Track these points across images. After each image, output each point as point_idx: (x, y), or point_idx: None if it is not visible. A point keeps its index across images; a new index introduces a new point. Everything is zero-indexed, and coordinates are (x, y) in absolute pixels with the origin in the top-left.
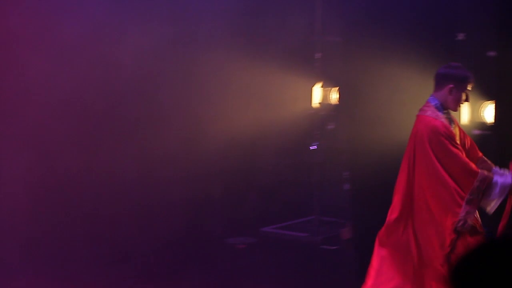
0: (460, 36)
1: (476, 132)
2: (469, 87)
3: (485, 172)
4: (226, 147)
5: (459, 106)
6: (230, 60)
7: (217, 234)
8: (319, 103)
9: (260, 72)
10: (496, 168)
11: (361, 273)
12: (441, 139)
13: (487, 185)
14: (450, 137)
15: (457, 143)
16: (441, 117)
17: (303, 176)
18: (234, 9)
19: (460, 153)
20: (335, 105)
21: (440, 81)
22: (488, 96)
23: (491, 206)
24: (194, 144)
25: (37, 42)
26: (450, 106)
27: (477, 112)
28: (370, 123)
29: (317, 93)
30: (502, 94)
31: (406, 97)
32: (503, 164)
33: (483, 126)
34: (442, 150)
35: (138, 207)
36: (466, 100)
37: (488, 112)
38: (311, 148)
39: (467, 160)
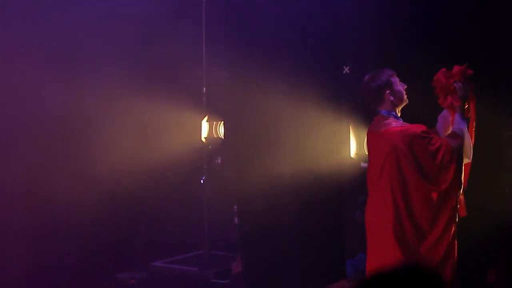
0: (346, 69)
1: (364, 165)
2: (395, 78)
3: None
4: (114, 181)
5: (406, 95)
6: (118, 94)
7: (106, 269)
8: (205, 137)
9: (147, 107)
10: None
11: None
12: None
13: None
14: (430, 132)
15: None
16: (403, 122)
17: (192, 210)
18: (122, 42)
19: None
20: (222, 139)
21: (375, 96)
22: None
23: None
24: (81, 176)
25: None
26: (400, 103)
27: (363, 145)
28: (256, 156)
29: (204, 127)
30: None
31: (293, 130)
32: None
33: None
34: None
35: (23, 241)
36: (402, 85)
37: None
38: (200, 182)
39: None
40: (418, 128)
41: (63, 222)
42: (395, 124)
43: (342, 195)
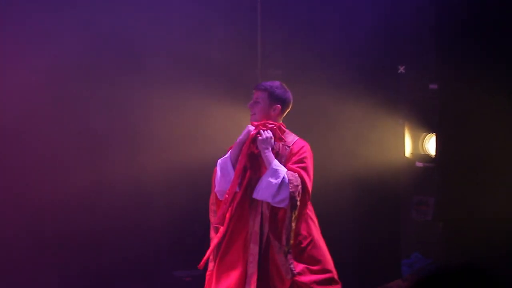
0: (401, 69)
1: (419, 164)
2: None
3: None
4: (170, 180)
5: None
6: (172, 93)
7: (163, 267)
8: None
9: (202, 106)
10: None
11: None
12: None
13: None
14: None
15: None
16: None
17: None
18: (175, 39)
19: None
20: None
21: None
22: (429, 128)
23: None
24: (138, 176)
25: None
26: None
27: (418, 144)
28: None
29: None
30: (443, 126)
31: (348, 130)
32: (444, 196)
33: (426, 158)
34: None
35: (82, 240)
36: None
37: (432, 145)
38: None
39: None
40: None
41: (121, 222)
42: None
43: (397, 195)
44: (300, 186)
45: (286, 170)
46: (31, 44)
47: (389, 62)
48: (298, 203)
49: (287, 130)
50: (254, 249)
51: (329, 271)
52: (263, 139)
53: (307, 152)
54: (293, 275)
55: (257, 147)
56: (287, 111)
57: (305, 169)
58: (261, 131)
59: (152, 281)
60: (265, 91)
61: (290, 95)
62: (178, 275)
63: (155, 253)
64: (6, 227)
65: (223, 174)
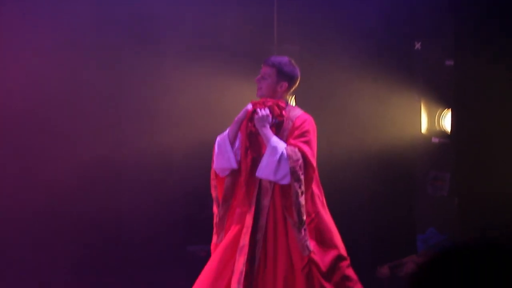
0: (417, 45)
1: (435, 140)
2: None
3: None
4: (186, 155)
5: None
6: (188, 70)
7: (177, 242)
8: None
9: (218, 82)
10: None
11: None
12: None
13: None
14: None
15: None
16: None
17: None
18: (189, 16)
19: None
20: None
21: None
22: (445, 104)
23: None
24: (154, 150)
25: None
26: None
27: (434, 120)
28: (328, 133)
29: None
30: (459, 102)
31: (364, 106)
32: (460, 171)
33: (442, 134)
34: None
35: (95, 215)
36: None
37: (448, 121)
38: None
39: None
40: None
41: (136, 198)
42: None
43: (413, 170)
44: (300, 161)
45: (285, 145)
46: (45, 23)
47: (406, 39)
48: (302, 177)
49: (288, 106)
50: (248, 221)
51: (335, 247)
52: (259, 117)
53: (309, 125)
54: (309, 251)
55: (254, 126)
56: (294, 87)
57: (307, 142)
58: (258, 109)
59: (166, 256)
60: (273, 67)
61: (298, 72)
62: (192, 250)
63: (169, 228)
64: (27, 209)
65: (221, 151)
